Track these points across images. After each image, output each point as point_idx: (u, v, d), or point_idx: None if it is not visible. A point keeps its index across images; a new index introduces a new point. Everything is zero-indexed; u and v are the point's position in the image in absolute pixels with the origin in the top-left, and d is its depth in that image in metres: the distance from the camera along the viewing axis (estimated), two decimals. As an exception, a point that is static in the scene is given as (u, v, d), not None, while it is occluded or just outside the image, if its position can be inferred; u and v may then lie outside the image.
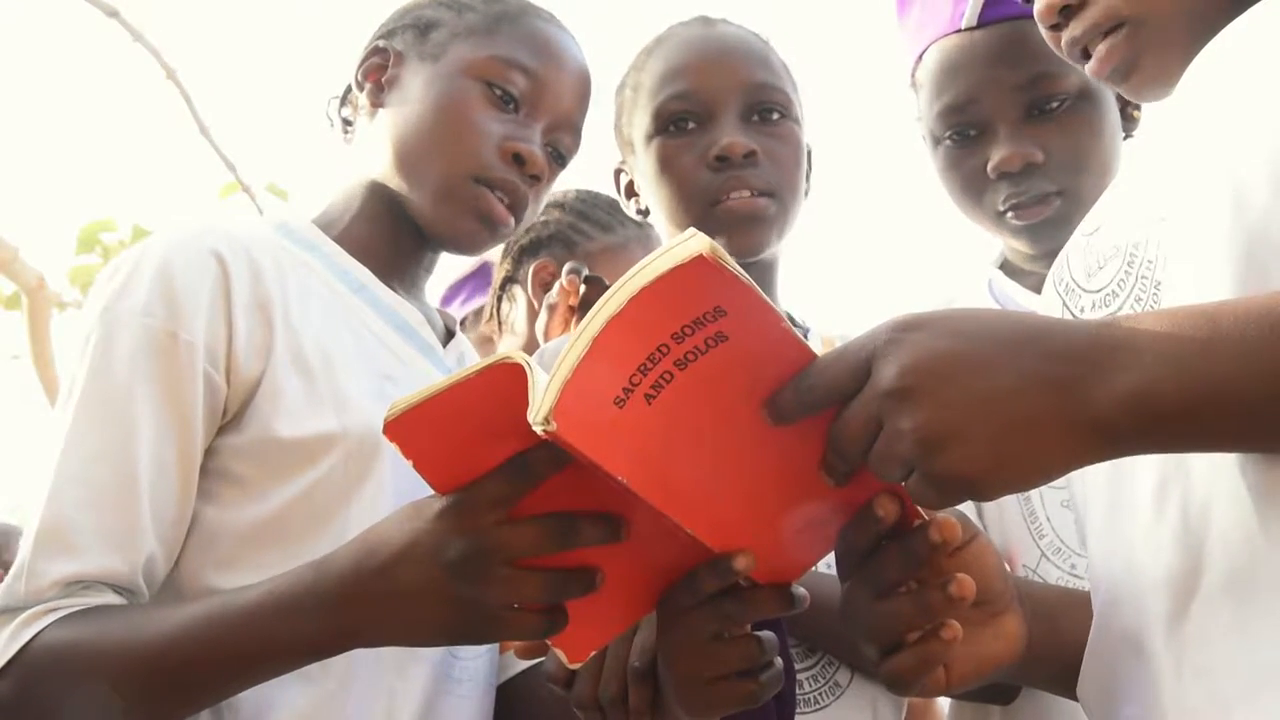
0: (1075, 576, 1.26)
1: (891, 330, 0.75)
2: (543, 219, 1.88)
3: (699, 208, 1.32)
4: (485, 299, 2.24)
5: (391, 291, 1.26)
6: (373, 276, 1.25)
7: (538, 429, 0.73)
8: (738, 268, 0.72)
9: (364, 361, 1.18)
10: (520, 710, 1.24)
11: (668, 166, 1.35)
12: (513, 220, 1.26)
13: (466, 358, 1.33)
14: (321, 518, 1.10)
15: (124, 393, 1.08)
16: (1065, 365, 0.73)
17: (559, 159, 1.31)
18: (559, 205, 1.90)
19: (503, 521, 0.86)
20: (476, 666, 1.20)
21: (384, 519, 0.95)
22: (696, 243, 0.71)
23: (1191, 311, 0.73)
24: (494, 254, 2.05)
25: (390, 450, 1.11)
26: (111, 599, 1.05)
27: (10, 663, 1.01)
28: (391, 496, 1.11)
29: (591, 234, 1.87)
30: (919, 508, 0.83)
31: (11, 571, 1.06)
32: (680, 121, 1.35)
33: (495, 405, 0.80)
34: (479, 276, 2.42)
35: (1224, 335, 0.71)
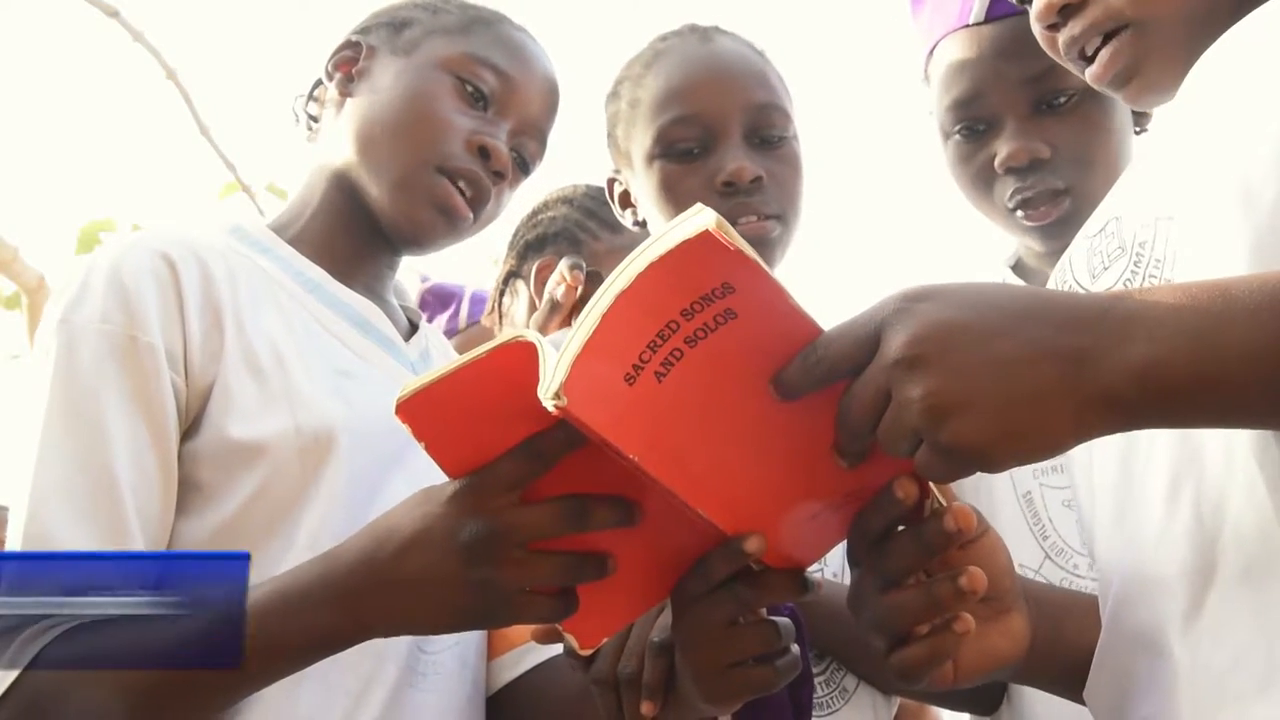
0: (1077, 577, 1.26)
1: (900, 301, 0.74)
2: (550, 214, 1.84)
3: None
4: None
5: (347, 289, 1.24)
6: (327, 275, 1.24)
7: (548, 405, 0.72)
8: (744, 244, 0.72)
9: (319, 359, 1.17)
10: (522, 715, 1.22)
11: (671, 191, 1.32)
12: (471, 216, 1.25)
13: (433, 351, 1.32)
14: (278, 516, 1.08)
15: (92, 400, 1.06)
16: (1076, 336, 0.72)
17: (523, 166, 1.31)
18: (567, 201, 1.85)
19: (516, 504, 0.86)
20: (442, 660, 1.17)
21: (393, 508, 0.93)
22: (703, 218, 0.71)
23: (1204, 284, 0.72)
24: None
25: (346, 445, 1.10)
26: None
27: (12, 687, 0.97)
28: (347, 491, 1.10)
29: (598, 233, 1.82)
30: (933, 500, 0.82)
31: None
32: (683, 144, 1.33)
33: (507, 386, 0.80)
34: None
35: (1238, 307, 0.70)
